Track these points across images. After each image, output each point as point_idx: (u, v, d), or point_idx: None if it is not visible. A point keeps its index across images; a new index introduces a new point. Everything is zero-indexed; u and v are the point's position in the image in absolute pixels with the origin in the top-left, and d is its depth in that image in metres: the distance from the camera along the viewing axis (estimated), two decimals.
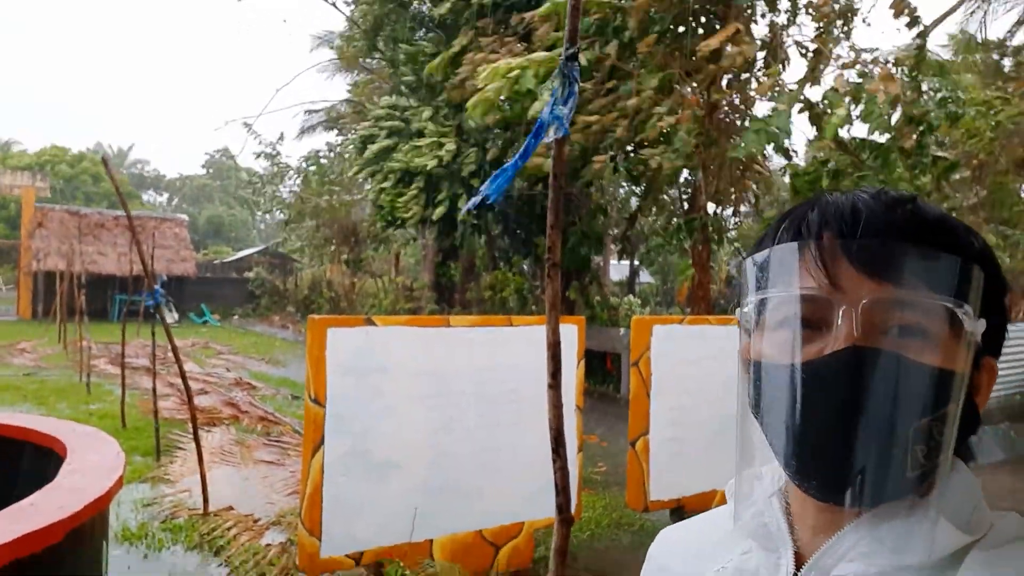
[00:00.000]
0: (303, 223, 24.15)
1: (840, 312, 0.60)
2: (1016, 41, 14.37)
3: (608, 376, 12.61)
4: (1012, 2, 14.15)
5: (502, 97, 8.75)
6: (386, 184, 13.71)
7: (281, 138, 34.22)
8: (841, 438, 0.59)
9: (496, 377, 4.34)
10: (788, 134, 7.85)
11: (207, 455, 6.00)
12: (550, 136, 2.26)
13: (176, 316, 24.91)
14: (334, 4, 19.91)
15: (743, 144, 7.71)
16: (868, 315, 0.60)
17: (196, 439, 5.64)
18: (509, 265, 15.41)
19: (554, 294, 2.24)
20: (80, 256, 17.86)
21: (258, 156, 23.21)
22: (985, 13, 14.38)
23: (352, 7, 18.59)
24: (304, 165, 23.49)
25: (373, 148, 13.96)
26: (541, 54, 8.69)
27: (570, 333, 4.55)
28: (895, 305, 0.60)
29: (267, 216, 27.28)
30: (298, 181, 23.90)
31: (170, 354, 6.46)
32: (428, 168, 12.87)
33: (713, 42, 8.26)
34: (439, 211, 13.01)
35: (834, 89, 7.83)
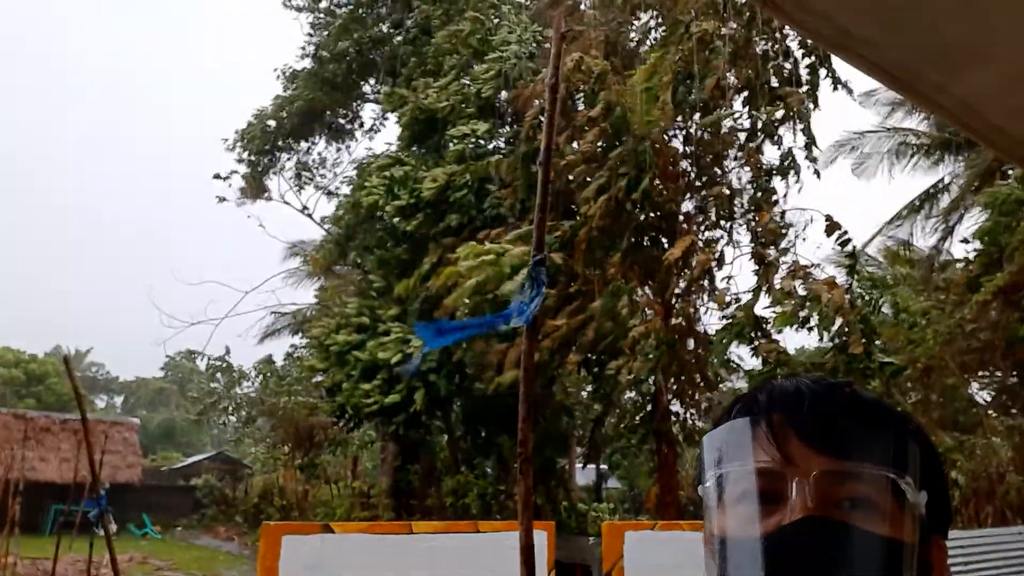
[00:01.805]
0: (256, 425, 23.57)
1: (793, 484, 0.64)
2: (943, 256, 15.60)
3: None
4: (935, 220, 15.56)
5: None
6: (349, 378, 13.68)
7: (242, 339, 34.35)
8: None
9: None
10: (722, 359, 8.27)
11: None
12: (512, 323, 2.37)
13: (115, 527, 23.18)
14: (310, 215, 21.03)
15: (715, 349, 8.09)
16: (819, 486, 0.63)
17: None
18: (472, 468, 15.00)
19: (526, 492, 2.21)
20: (21, 462, 16.93)
21: (213, 371, 23.29)
22: (912, 226, 15.73)
23: (326, 218, 19.65)
24: (258, 369, 23.52)
25: (339, 340, 14.08)
26: (519, 248, 9.24)
27: (539, 540, 4.35)
28: (844, 476, 0.64)
29: (223, 419, 26.61)
30: (256, 383, 23.69)
31: (103, 570, 5.97)
32: (392, 361, 12.95)
33: (676, 251, 8.89)
34: (392, 398, 12.94)
35: (781, 290, 8.35)
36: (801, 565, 0.62)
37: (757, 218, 10.01)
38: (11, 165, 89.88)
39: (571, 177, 11.08)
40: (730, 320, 8.66)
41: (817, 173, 10.51)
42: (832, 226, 9.19)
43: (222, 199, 20.82)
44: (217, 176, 20.61)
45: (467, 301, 10.28)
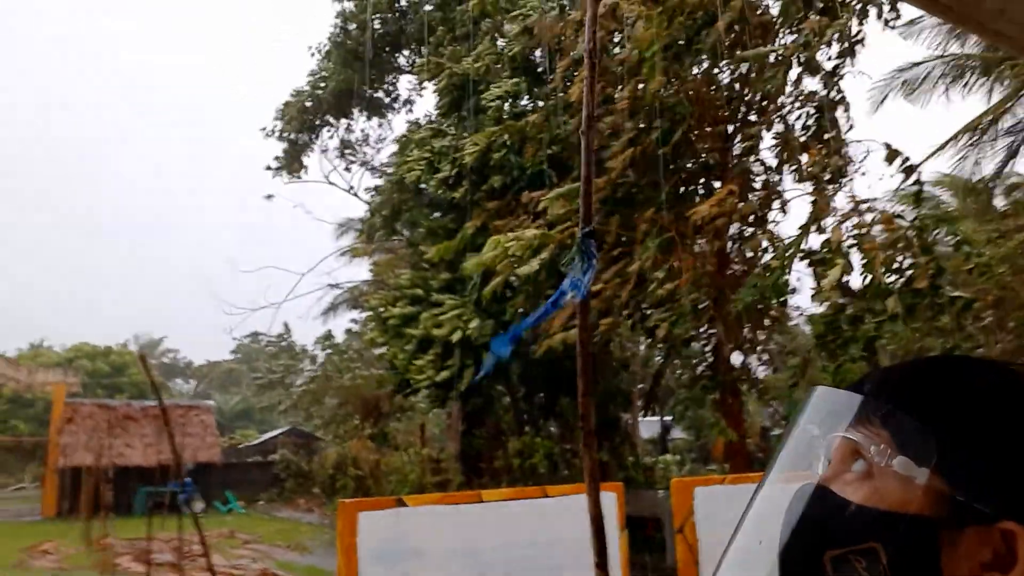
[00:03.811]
0: (324, 402, 24.27)
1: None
2: (1011, 180, 14.85)
3: (650, 543, 11.97)
4: (1003, 139, 14.76)
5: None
6: (404, 351, 13.92)
7: (303, 320, 35.32)
8: None
9: (536, 554, 4.16)
10: (780, 290, 8.04)
11: None
12: (566, 299, 2.36)
13: (203, 505, 24.38)
14: (355, 194, 21.26)
15: (739, 299, 7.91)
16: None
17: None
18: (536, 429, 15.17)
19: (592, 464, 2.22)
20: (108, 450, 17.86)
21: (276, 352, 23.99)
22: (972, 151, 14.98)
23: (372, 194, 19.84)
24: (322, 346, 24.10)
25: (395, 312, 14.31)
26: (532, 231, 9.23)
27: (609, 501, 4.40)
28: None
29: (290, 396, 27.56)
30: (320, 359, 24.33)
31: (195, 547, 6.28)
32: (448, 339, 13.12)
33: (703, 208, 8.67)
34: (443, 375, 13.14)
35: (830, 241, 8.09)
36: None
37: (808, 155, 9.65)
38: (61, 167, 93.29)
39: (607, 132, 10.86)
40: (780, 265, 8.43)
41: (871, 106, 10.08)
42: (892, 154, 8.81)
43: (269, 196, 21.26)
44: (268, 168, 21.01)
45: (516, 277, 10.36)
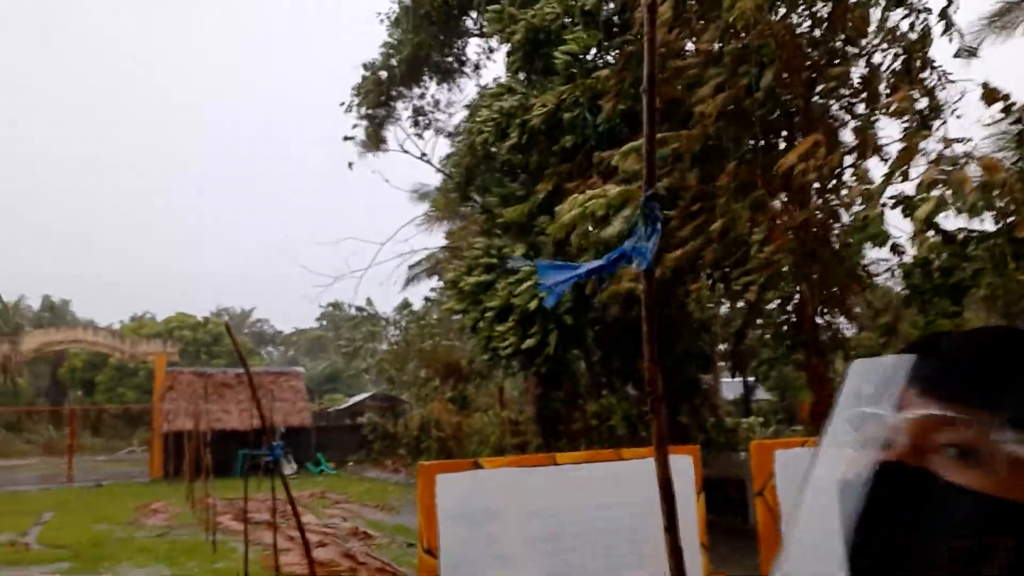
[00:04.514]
0: (407, 366, 24.90)
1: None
2: None
3: (732, 505, 11.84)
4: None
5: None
6: (484, 319, 14.06)
7: (383, 287, 36.22)
8: None
9: (612, 515, 4.16)
10: (886, 237, 7.61)
11: None
12: (632, 267, 2.30)
13: (295, 467, 25.59)
14: (428, 161, 21.43)
15: (854, 246, 7.54)
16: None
17: None
18: (613, 391, 15.14)
19: (660, 429, 2.18)
20: (207, 415, 18.89)
21: (358, 320, 24.67)
22: None
23: (445, 162, 19.95)
24: (401, 314, 24.67)
25: (470, 281, 14.45)
26: (614, 187, 8.99)
27: (685, 464, 4.34)
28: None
29: (373, 361, 28.41)
30: (402, 325, 24.93)
31: (288, 507, 6.59)
32: (527, 307, 13.16)
33: (791, 158, 8.28)
34: (531, 341, 13.18)
35: (923, 183, 7.61)
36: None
37: (897, 98, 9.06)
38: (151, 150, 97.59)
39: (683, 82, 10.46)
40: (866, 218, 7.99)
41: (965, 52, 9.34)
42: (991, 93, 8.19)
43: (350, 165, 21.69)
44: (347, 138, 21.41)
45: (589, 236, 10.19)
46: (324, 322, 63.18)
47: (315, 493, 18.68)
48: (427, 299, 25.85)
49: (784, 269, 8.09)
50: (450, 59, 21.94)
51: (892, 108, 8.74)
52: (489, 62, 21.83)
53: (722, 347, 17.64)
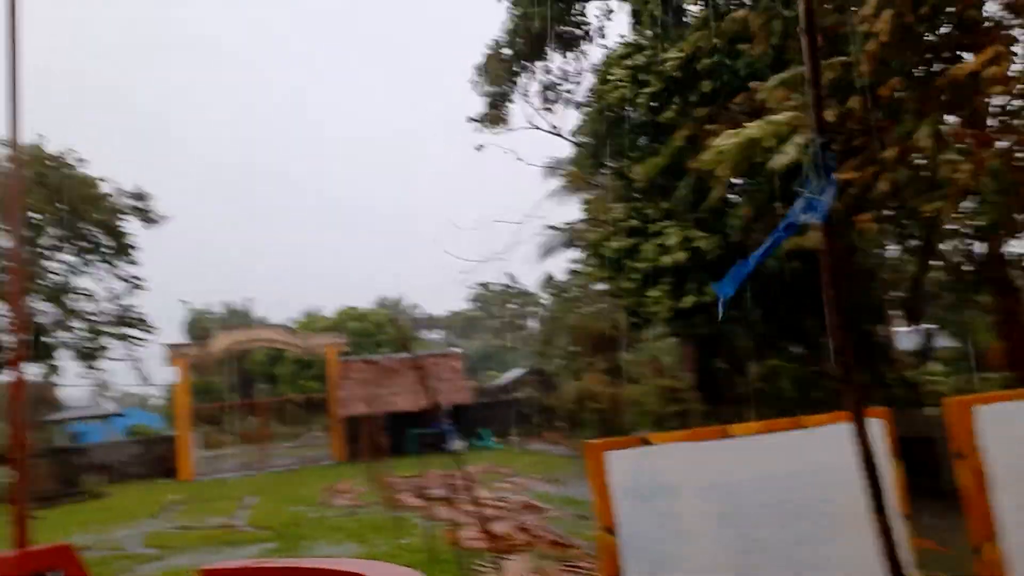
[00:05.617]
0: (556, 340, 25.08)
1: None
2: None
3: (920, 465, 10.94)
4: None
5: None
6: (629, 284, 13.83)
7: (526, 264, 36.65)
8: None
9: (797, 485, 3.93)
10: None
11: None
12: (800, 223, 2.13)
13: (463, 443, 26.68)
14: (558, 133, 21.30)
15: None
16: None
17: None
18: (777, 351, 14.44)
19: (857, 404, 2.00)
20: (378, 399, 20.03)
21: (506, 298, 25.02)
22: None
23: (576, 132, 19.74)
24: (546, 288, 24.81)
25: (612, 246, 14.25)
26: (775, 117, 8.42)
27: (876, 430, 4.03)
28: None
29: (524, 337, 28.92)
30: (547, 299, 25.11)
31: (460, 481, 6.84)
32: (680, 262, 12.81)
33: (970, 65, 7.39)
34: (689, 299, 12.80)
35: None
36: None
37: None
38: (312, 150, 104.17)
39: (835, 3, 9.57)
40: None
41: None
42: None
43: (480, 147, 21.98)
44: (472, 119, 21.72)
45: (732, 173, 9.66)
46: (476, 303, 65.19)
47: (483, 468, 19.34)
48: (571, 271, 25.87)
49: (994, 194, 7.22)
50: (572, 27, 21.63)
51: None
52: (608, 23, 21.30)
53: (893, 294, 16.30)
